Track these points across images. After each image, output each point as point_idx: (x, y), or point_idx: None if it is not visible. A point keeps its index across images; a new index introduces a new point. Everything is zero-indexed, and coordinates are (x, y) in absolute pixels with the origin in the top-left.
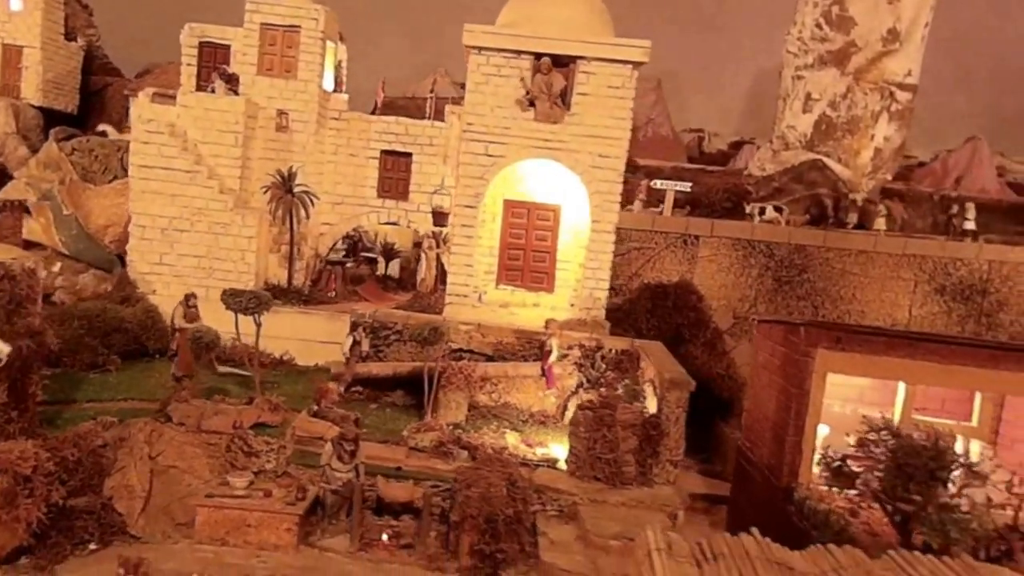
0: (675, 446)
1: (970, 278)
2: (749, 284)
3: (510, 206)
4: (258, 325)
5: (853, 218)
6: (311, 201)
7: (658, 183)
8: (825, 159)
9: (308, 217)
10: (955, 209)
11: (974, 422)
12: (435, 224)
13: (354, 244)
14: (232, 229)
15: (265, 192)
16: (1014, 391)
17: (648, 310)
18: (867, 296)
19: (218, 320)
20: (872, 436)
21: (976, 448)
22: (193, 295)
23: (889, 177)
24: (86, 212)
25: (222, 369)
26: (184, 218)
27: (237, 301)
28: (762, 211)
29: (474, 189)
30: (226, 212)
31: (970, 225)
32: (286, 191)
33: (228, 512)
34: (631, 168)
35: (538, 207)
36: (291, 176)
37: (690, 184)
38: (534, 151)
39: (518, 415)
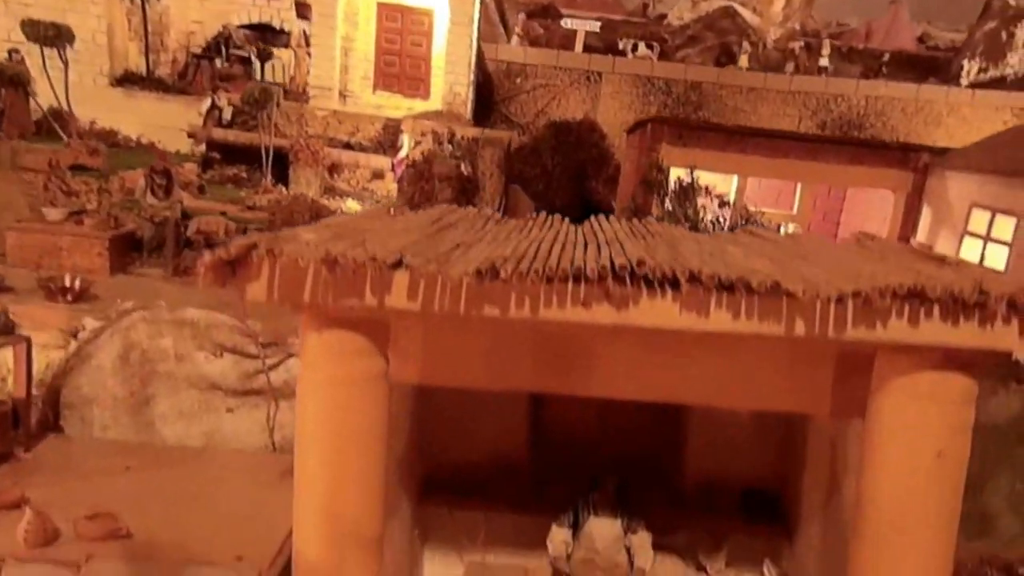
0: (490, 200)
1: (849, 113)
2: None
3: (384, 10)
4: (64, 63)
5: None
6: None
7: (568, 22)
8: (737, 6)
9: None
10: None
11: (794, 211)
12: (299, 16)
13: (225, 41)
14: (78, 5)
15: None
16: (831, 181)
17: (553, 148)
18: None
19: None
20: None
21: (791, 228)
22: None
23: (797, 27)
24: None
25: None
26: None
27: (35, 30)
28: (635, 47)
29: None
30: None
31: (824, 62)
32: None
33: (39, 236)
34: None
35: (412, 11)
36: None
37: (599, 24)
38: None
39: (373, 197)
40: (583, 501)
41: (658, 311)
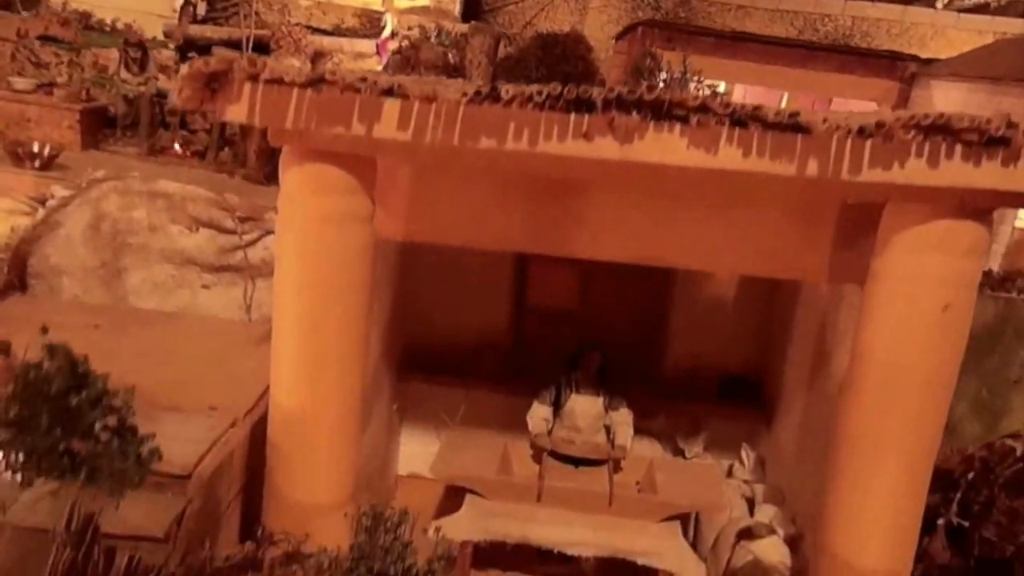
0: None
1: (835, 33)
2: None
3: None
4: None
5: None
6: None
7: None
8: None
9: None
10: None
11: None
12: None
13: None
14: None
15: None
16: (818, 91)
17: (539, 59)
18: None
19: None
20: None
21: None
22: None
23: None
24: None
25: None
26: None
27: None
28: None
29: None
30: None
31: None
32: None
33: (5, 105)
34: None
35: None
36: None
37: None
38: None
39: None
40: (564, 379)
41: (664, 146)
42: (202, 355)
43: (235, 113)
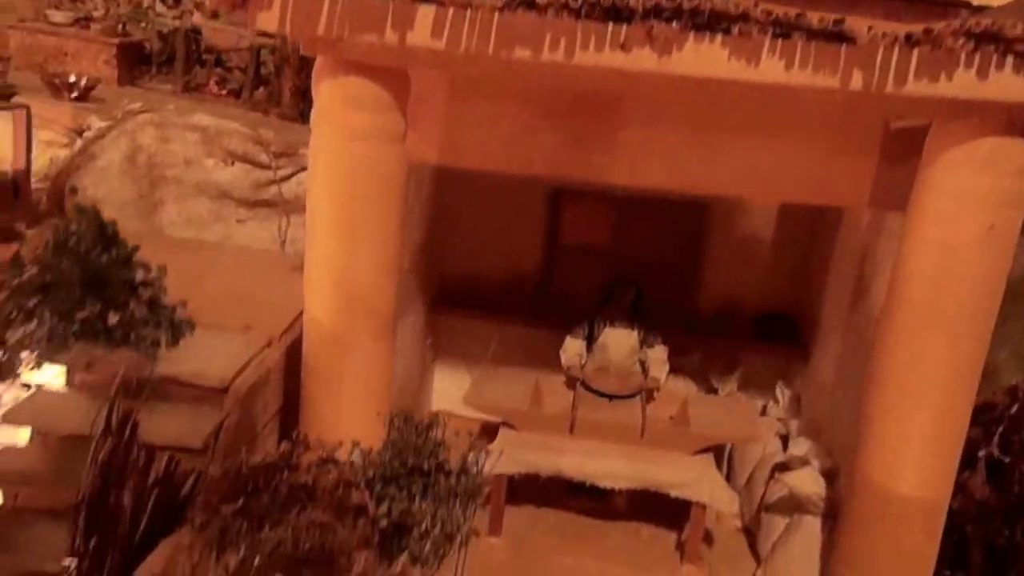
0: None
1: None
2: None
3: None
4: None
5: None
6: None
7: None
8: None
9: None
10: None
11: None
12: None
13: None
14: None
15: None
16: None
17: None
18: None
19: None
20: None
21: None
22: None
23: None
24: None
25: None
26: None
27: None
28: None
29: None
30: None
31: None
32: None
33: (43, 38)
34: None
35: None
36: None
37: None
38: None
39: None
40: (598, 313)
41: (704, 57)
42: (238, 280)
43: (266, 21)
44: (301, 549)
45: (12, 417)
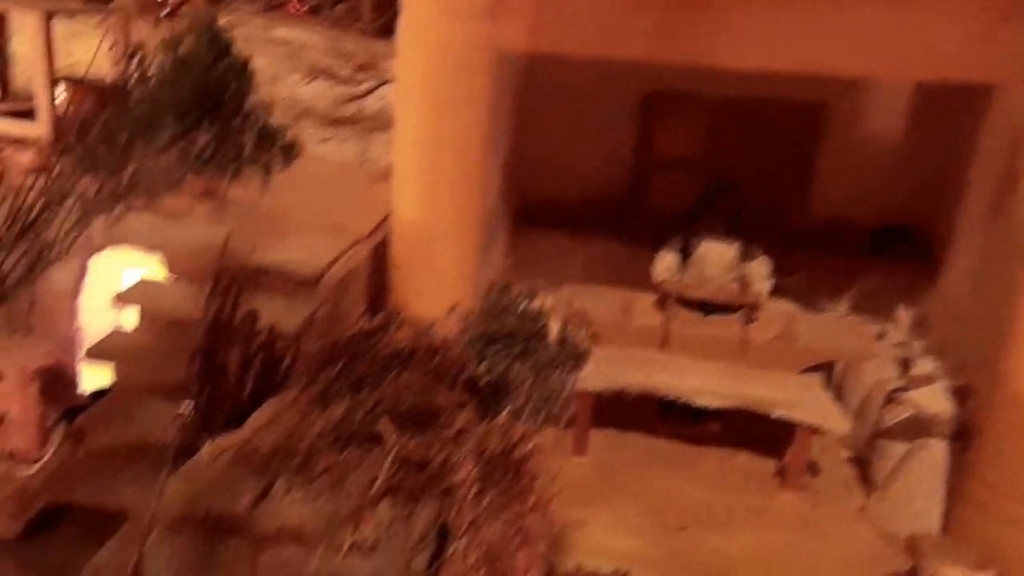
0: None
1: None
2: None
3: None
4: None
5: None
6: None
7: None
8: None
9: None
10: None
11: None
12: None
13: None
14: None
15: None
16: None
17: None
18: None
19: None
20: None
21: None
22: None
23: None
24: None
25: None
26: None
27: None
28: None
29: None
30: None
31: None
32: None
33: None
34: None
35: None
36: None
37: None
38: None
39: None
40: (694, 225)
41: None
42: (325, 187)
43: None
44: (402, 407)
45: (124, 298)
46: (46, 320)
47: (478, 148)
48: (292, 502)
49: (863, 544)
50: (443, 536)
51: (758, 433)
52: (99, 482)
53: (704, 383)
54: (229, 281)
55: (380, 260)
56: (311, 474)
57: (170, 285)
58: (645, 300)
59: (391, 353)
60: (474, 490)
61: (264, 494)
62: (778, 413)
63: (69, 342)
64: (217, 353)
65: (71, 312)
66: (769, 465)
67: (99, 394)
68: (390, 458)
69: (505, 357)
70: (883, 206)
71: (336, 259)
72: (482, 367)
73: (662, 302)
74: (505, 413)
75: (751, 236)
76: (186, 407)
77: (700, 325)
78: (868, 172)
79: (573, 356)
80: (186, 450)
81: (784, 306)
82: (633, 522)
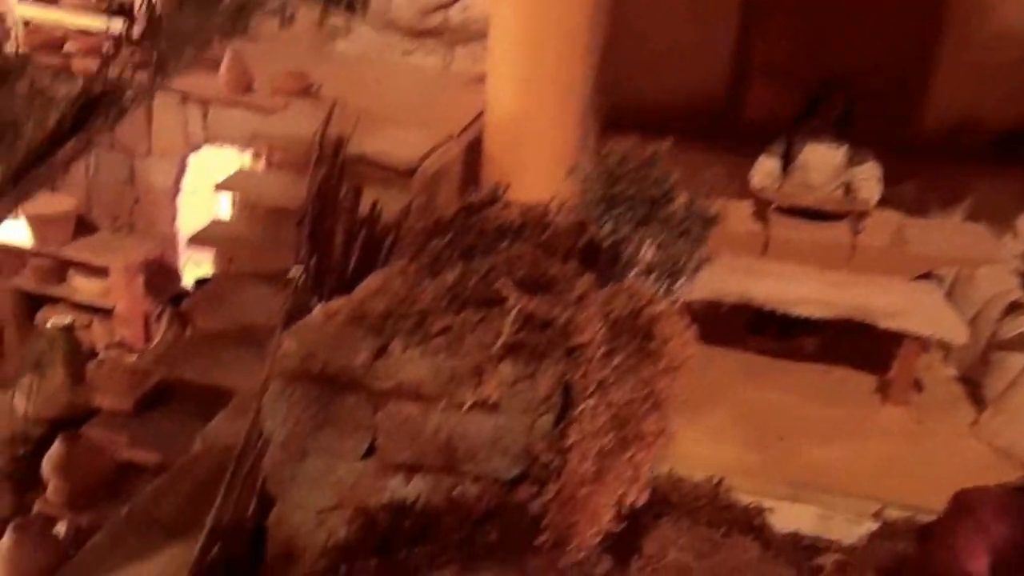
0: None
1: None
2: None
3: None
4: None
5: None
6: None
7: None
8: None
9: None
10: None
11: None
12: None
13: None
14: None
15: None
16: None
17: None
18: None
19: None
20: None
21: None
22: None
23: None
24: None
25: None
26: None
27: None
28: None
29: None
30: None
31: None
32: None
33: None
34: None
35: None
36: None
37: None
38: None
39: None
40: (799, 127)
41: None
42: (417, 89)
43: None
44: (516, 275)
45: (223, 186)
46: (147, 217)
47: (581, 36)
48: (410, 360)
49: (974, 456)
50: (568, 397)
51: (858, 349)
52: (207, 361)
53: (807, 292)
54: (332, 158)
55: (474, 157)
56: (428, 334)
57: (267, 175)
58: (743, 208)
59: (500, 226)
60: (601, 351)
61: (381, 352)
62: (887, 324)
63: (170, 238)
64: (324, 221)
65: (171, 209)
66: (870, 381)
67: (202, 282)
68: (511, 316)
69: (628, 221)
70: (1011, 106)
71: (430, 152)
72: (604, 230)
73: (761, 211)
74: (630, 278)
75: (861, 140)
76: (296, 271)
77: (802, 231)
78: (996, 69)
79: (701, 221)
80: (298, 313)
81: (894, 215)
82: (727, 432)
